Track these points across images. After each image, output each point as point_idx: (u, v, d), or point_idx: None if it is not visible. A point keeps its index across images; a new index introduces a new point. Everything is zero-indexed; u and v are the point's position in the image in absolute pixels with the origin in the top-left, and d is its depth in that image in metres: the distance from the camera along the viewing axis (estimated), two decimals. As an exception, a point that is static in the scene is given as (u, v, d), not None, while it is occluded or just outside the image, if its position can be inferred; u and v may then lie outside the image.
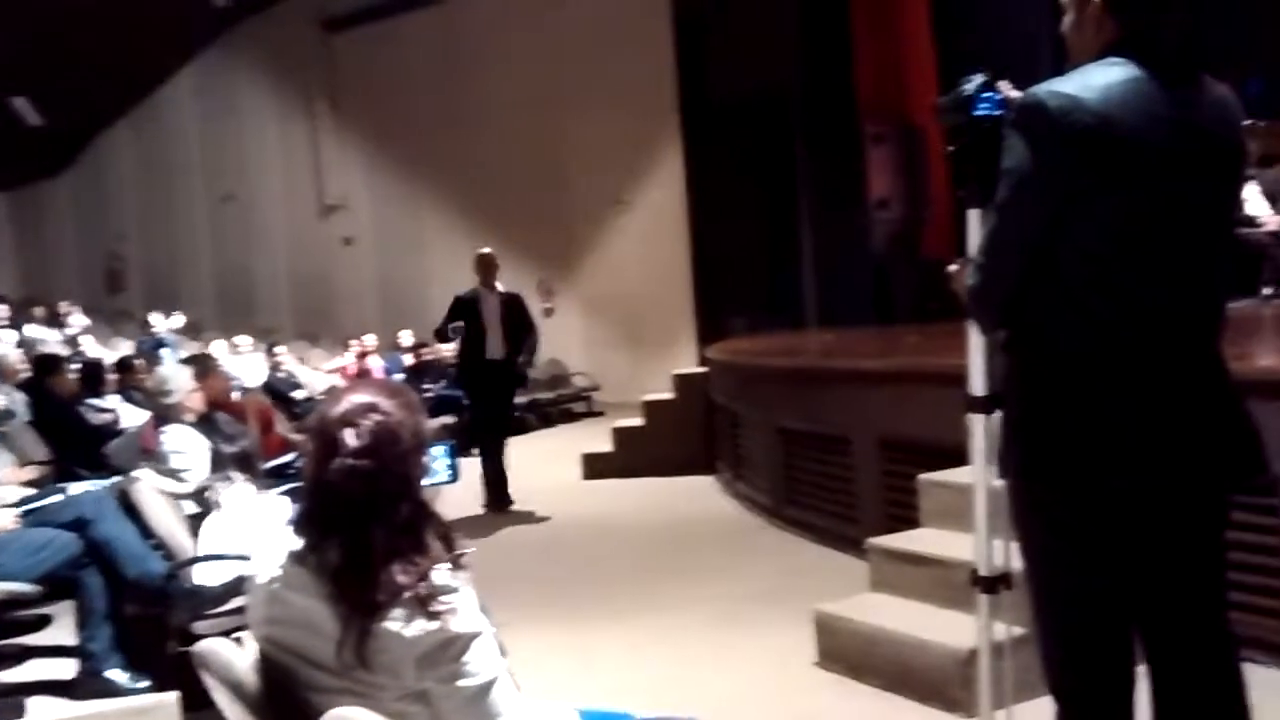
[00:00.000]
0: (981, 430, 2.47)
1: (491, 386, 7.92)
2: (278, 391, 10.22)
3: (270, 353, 12.01)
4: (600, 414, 13.67)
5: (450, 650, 1.78)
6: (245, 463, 5.29)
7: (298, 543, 1.86)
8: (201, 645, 1.93)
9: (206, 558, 4.06)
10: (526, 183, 15.26)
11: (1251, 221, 7.62)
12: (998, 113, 2.24)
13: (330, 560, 1.81)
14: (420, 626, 1.76)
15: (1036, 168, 1.97)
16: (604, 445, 9.39)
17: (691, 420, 8.88)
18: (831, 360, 6.63)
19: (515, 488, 7.99)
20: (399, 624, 1.76)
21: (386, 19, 16.33)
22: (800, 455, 6.29)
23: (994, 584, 2.56)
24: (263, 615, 1.88)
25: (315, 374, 12.44)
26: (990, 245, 2.10)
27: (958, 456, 4.42)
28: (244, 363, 11.70)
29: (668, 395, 9.47)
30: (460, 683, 1.79)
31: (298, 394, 10.87)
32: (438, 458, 2.31)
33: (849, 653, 3.98)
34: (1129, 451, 1.98)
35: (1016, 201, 2.02)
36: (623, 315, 14.59)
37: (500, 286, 8.12)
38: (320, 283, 17.65)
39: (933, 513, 4.30)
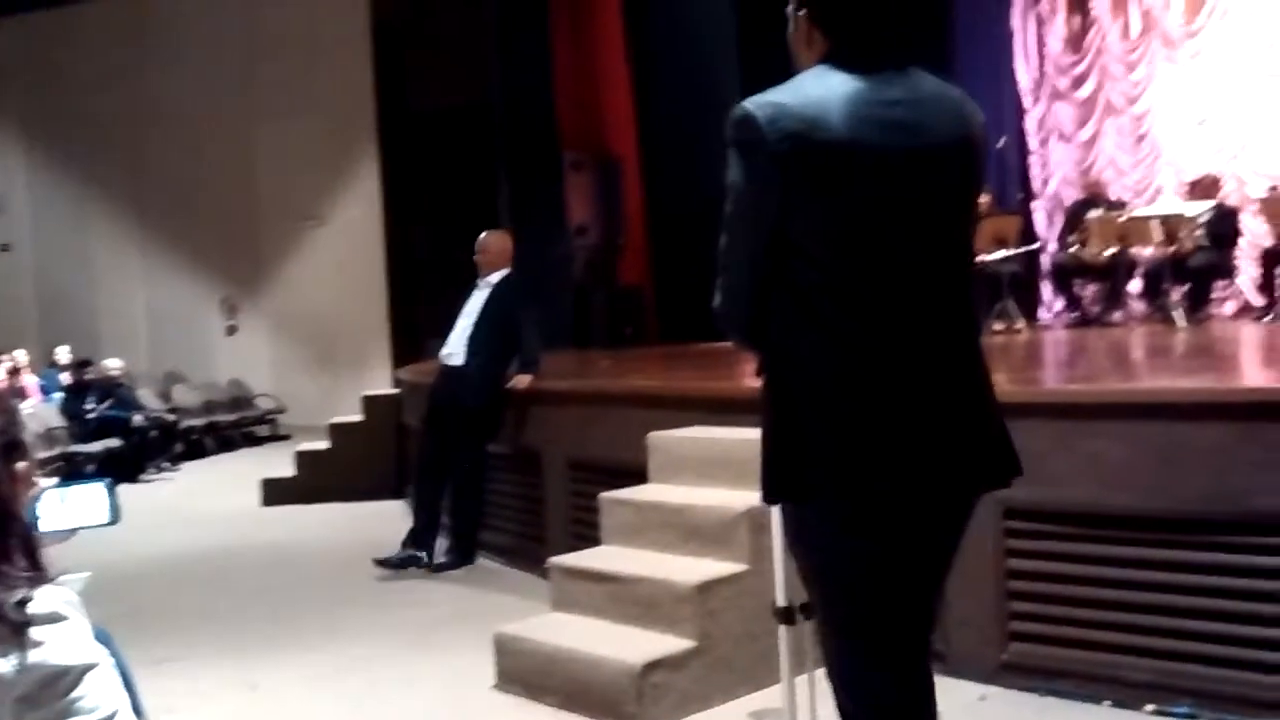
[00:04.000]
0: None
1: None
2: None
3: (-98, 367, 10.68)
4: (286, 437, 13.08)
5: (56, 687, 1.57)
6: None
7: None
8: None
9: None
10: (211, 191, 14.46)
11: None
12: None
13: None
14: (17, 661, 1.55)
15: (750, 179, 1.97)
16: (287, 470, 8.95)
17: (381, 443, 8.63)
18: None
19: (187, 515, 7.45)
20: None
21: (56, 7, 15.05)
22: (492, 477, 6.22)
23: (791, 614, 2.52)
24: None
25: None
26: (723, 263, 2.07)
27: (638, 476, 4.55)
28: None
29: (356, 418, 9.16)
30: (77, 720, 1.58)
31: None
32: (92, 494, 2.03)
33: (527, 673, 3.94)
34: (878, 460, 1.94)
35: (739, 216, 2.01)
36: (313, 335, 14.05)
37: (496, 277, 6.26)
38: (-32, 292, 15.96)
39: (613, 530, 4.34)
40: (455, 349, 6.15)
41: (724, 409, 4.72)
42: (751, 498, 3.97)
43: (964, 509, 2.09)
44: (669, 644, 3.69)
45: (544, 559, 5.45)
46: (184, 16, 14.41)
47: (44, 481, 1.81)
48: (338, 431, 9.05)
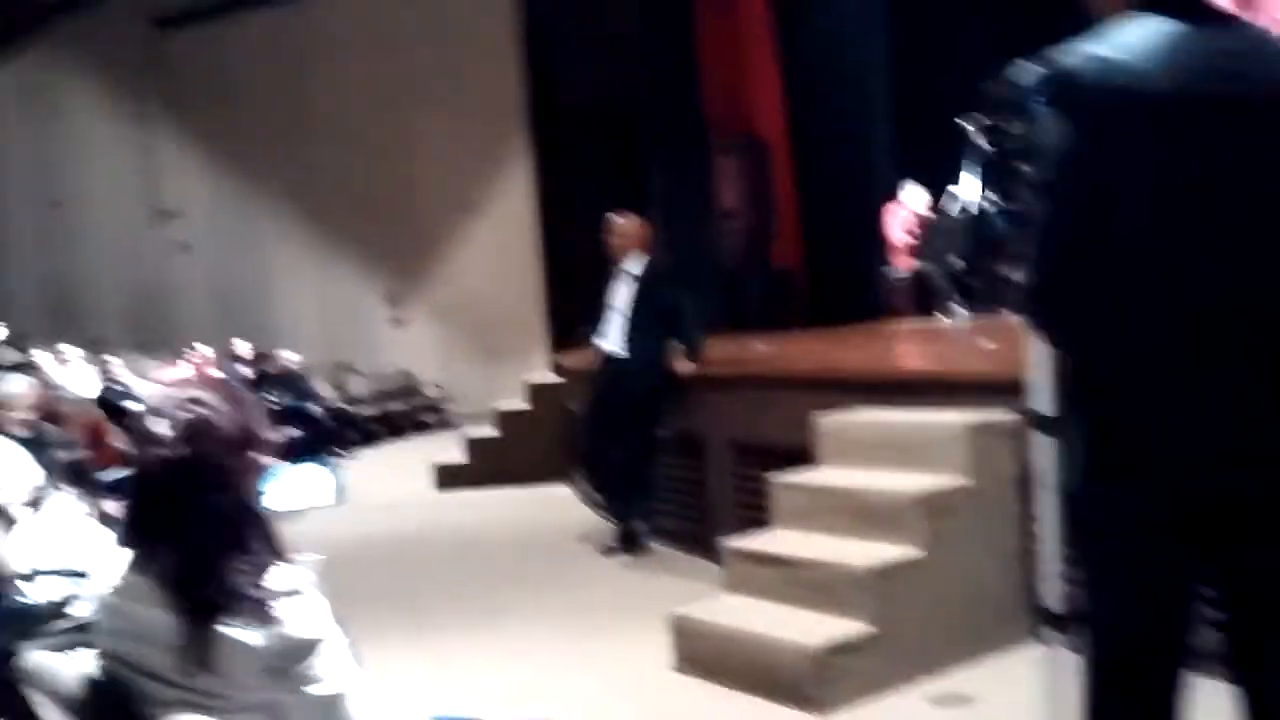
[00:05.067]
0: (1048, 451, 2.25)
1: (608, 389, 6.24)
2: (112, 404, 9.72)
3: (102, 363, 11.43)
4: (452, 425, 13.48)
5: (297, 657, 1.72)
6: (77, 475, 5.03)
7: (135, 551, 1.78)
8: (30, 660, 1.82)
9: (35, 574, 3.82)
10: (372, 188, 14.98)
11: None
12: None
13: (166, 565, 1.73)
14: (264, 633, 1.70)
15: (1068, 138, 1.78)
16: (457, 456, 9.26)
17: (547, 429, 8.82)
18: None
19: (364, 500, 7.77)
20: (242, 631, 1.69)
21: (225, 16, 15.81)
22: (658, 460, 6.30)
23: (1063, 620, 2.24)
24: (105, 628, 1.80)
25: (151, 385, 11.89)
26: (1034, 235, 1.87)
27: (805, 459, 4.56)
28: (71, 373, 11.09)
29: (522, 405, 9.40)
30: (309, 690, 1.73)
31: (133, 405, 10.36)
32: (317, 476, 2.16)
33: (705, 654, 4.00)
34: (1204, 450, 1.76)
35: (1053, 181, 1.82)
36: (473, 323, 14.44)
37: (635, 264, 6.21)
38: (154, 291, 16.94)
39: (784, 513, 4.37)
40: (614, 338, 6.19)
41: (891, 390, 4.70)
42: (925, 481, 3.97)
43: None
44: (847, 628, 3.71)
45: (707, 542, 5.56)
46: (342, 20, 14.94)
47: (271, 463, 1.94)
48: (505, 418, 9.30)
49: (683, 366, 5.99)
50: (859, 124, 10.56)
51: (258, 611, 1.69)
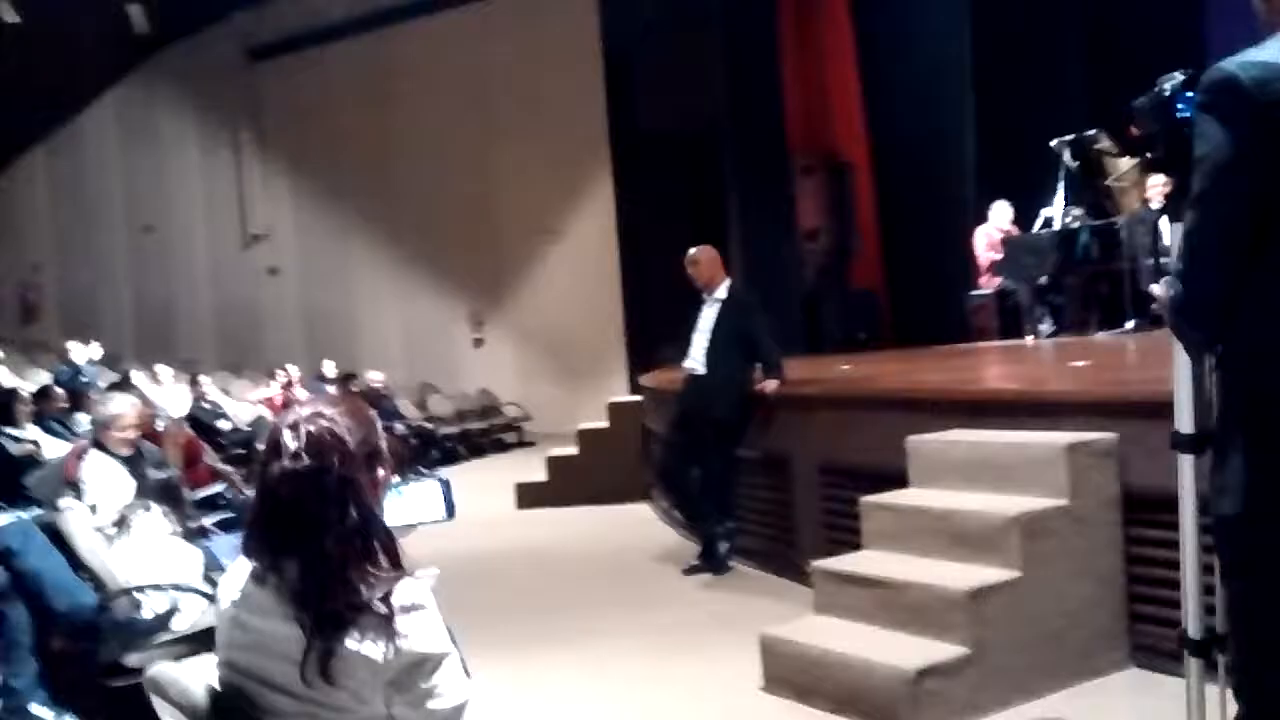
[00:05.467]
0: (1191, 472, 2.20)
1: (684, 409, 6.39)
2: (203, 423, 9.99)
3: (194, 383, 11.75)
4: (531, 444, 13.60)
5: (420, 672, 1.74)
6: (170, 493, 5.16)
7: (255, 564, 1.82)
8: (155, 670, 1.87)
9: (140, 589, 3.94)
10: (455, 212, 15.23)
11: (1169, 252, 7.85)
12: None
13: (290, 578, 1.76)
14: (388, 648, 1.72)
15: (1233, 150, 1.74)
16: (537, 474, 9.33)
17: (627, 448, 8.86)
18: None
19: (450, 523, 7.84)
20: (366, 645, 1.71)
21: (313, 47, 16.23)
22: (741, 482, 6.30)
23: (1207, 647, 2.14)
24: (224, 640, 1.83)
25: (240, 404, 12.19)
26: (1191, 248, 1.82)
27: (894, 480, 4.52)
28: (165, 393, 11.42)
29: (602, 424, 9.45)
30: (430, 704, 1.74)
31: (223, 424, 10.64)
32: (428, 491, 2.19)
33: (795, 675, 3.98)
34: None
35: (1215, 193, 1.77)
36: (553, 345, 14.57)
37: (721, 290, 6.36)
38: (244, 313, 17.38)
39: (875, 534, 4.33)
40: (697, 360, 6.28)
41: (981, 412, 4.64)
42: (1021, 503, 3.91)
43: None
44: (941, 650, 3.66)
45: (795, 563, 5.53)
46: (427, 48, 15.24)
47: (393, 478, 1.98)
48: (585, 437, 9.36)
49: (767, 386, 6.02)
50: (942, 144, 10.49)
51: (382, 625, 1.72)
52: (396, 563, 1.82)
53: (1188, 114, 1.99)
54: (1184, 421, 2.19)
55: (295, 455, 1.77)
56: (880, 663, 3.68)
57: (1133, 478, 3.90)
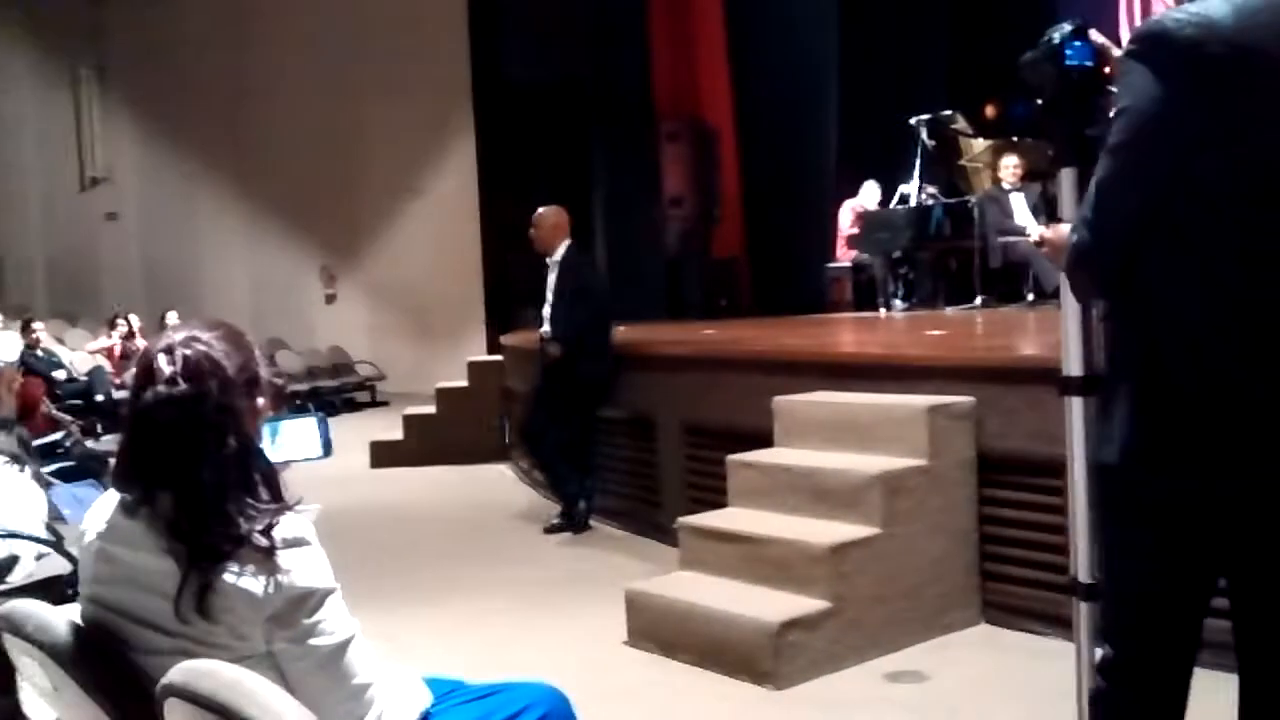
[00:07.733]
0: (1081, 415, 2.21)
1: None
2: (37, 371, 9.46)
3: (26, 329, 11.09)
4: (385, 404, 13.35)
5: (303, 607, 1.67)
6: (11, 440, 4.89)
7: (124, 495, 1.72)
8: (8, 607, 1.76)
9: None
10: (309, 163, 14.74)
11: (1020, 231, 8.19)
12: (1089, 63, 2.02)
13: (164, 509, 1.67)
14: (268, 582, 1.65)
15: (1161, 105, 1.69)
16: (393, 433, 9.16)
17: (486, 408, 8.78)
18: (636, 346, 6.68)
19: (299, 475, 7.63)
20: (245, 579, 1.64)
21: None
22: (603, 441, 6.31)
23: (1095, 591, 2.16)
24: (89, 574, 1.73)
25: (77, 354, 11.59)
26: (1101, 196, 1.78)
27: (759, 440, 4.60)
28: (-7, 340, 10.77)
29: (462, 383, 9.33)
30: (313, 641, 1.68)
31: (59, 374, 10.10)
32: (305, 428, 2.09)
33: (660, 630, 4.01)
34: (1257, 446, 1.70)
35: (1134, 144, 1.73)
36: (410, 303, 14.30)
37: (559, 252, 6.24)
38: (80, 260, 16.52)
39: (740, 492, 4.39)
40: (547, 322, 6.25)
41: (844, 374, 4.75)
42: (882, 462, 4.02)
43: None
44: (803, 604, 3.74)
45: (658, 522, 5.57)
46: (285, -8, 14.68)
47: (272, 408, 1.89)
48: (444, 396, 9.22)
49: (551, 349, 6.05)
50: (806, 116, 10.65)
51: (262, 559, 1.65)
52: (277, 495, 1.74)
53: (1075, 61, 2.01)
54: (1073, 365, 2.22)
55: (171, 380, 1.68)
56: (743, 616, 3.74)
57: (988, 440, 4.06)
